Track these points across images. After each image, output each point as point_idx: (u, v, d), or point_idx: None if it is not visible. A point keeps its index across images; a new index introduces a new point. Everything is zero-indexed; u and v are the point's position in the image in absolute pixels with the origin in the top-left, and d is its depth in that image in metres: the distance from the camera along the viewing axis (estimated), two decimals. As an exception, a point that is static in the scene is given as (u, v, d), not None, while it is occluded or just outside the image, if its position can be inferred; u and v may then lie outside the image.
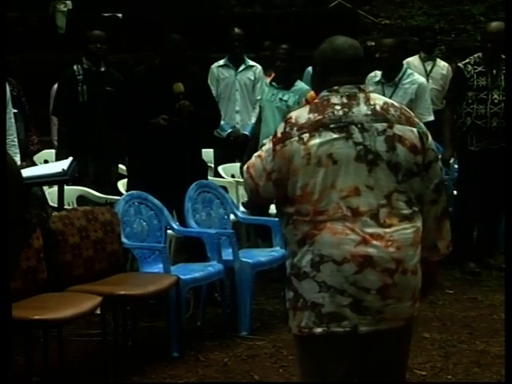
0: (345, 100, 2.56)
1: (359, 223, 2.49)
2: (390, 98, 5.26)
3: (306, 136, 2.51)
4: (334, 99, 2.57)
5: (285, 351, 4.34)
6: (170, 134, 4.84)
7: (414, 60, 7.25)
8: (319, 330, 2.53)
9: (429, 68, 7.28)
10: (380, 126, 2.53)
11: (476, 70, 5.72)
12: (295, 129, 2.53)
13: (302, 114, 2.56)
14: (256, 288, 4.95)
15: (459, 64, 5.91)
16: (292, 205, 2.55)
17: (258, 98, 6.38)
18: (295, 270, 2.56)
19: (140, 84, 4.97)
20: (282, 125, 2.57)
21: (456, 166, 6.09)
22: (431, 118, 5.46)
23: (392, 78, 5.29)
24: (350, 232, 2.48)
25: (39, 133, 5.74)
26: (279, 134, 2.56)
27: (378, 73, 5.47)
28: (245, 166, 2.65)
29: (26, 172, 4.35)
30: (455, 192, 6.18)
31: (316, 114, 2.54)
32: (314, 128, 2.52)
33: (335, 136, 2.51)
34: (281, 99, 5.71)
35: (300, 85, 5.77)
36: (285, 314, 4.85)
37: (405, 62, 6.94)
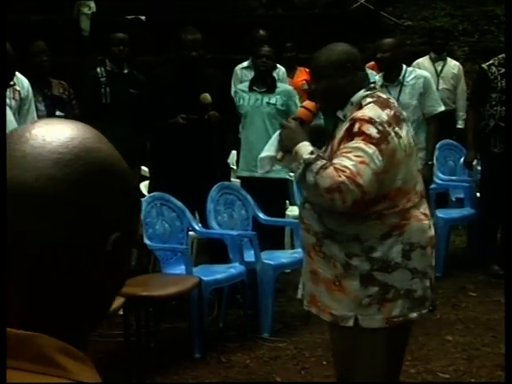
0: (387, 94, 2.86)
1: (424, 205, 2.73)
2: (398, 97, 5.25)
3: (397, 130, 2.64)
4: (383, 94, 2.75)
5: (306, 353, 4.34)
6: (193, 134, 4.85)
7: (423, 61, 7.20)
8: (414, 314, 2.69)
9: (439, 68, 7.23)
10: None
11: (500, 71, 5.67)
12: (386, 126, 2.61)
13: (378, 113, 2.62)
14: (277, 289, 4.96)
15: (483, 65, 5.87)
16: (384, 200, 2.62)
17: None
18: (379, 265, 2.63)
19: (161, 85, 4.99)
20: (368, 126, 2.58)
21: (479, 168, 6.05)
22: (442, 108, 5.42)
23: (394, 78, 5.27)
24: (425, 217, 2.71)
25: None
26: (377, 135, 2.58)
27: (376, 77, 5.43)
28: (343, 179, 2.52)
29: None
30: (478, 194, 6.14)
31: (388, 110, 2.66)
32: (397, 122, 2.66)
33: (407, 127, 2.72)
34: (268, 103, 5.50)
35: (282, 86, 5.67)
36: (307, 315, 4.86)
37: (415, 63, 6.91)
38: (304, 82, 6.77)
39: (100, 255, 0.84)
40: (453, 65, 7.38)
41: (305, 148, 2.62)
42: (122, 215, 0.85)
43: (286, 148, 2.69)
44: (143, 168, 6.13)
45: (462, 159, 6.14)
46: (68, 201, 0.81)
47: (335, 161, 2.57)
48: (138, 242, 0.91)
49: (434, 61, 7.29)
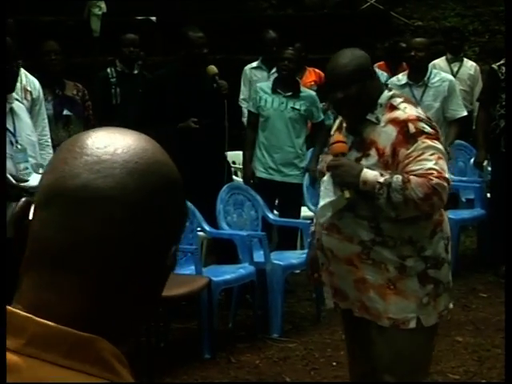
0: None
1: None
2: (421, 98, 5.24)
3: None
4: (402, 95, 2.86)
5: (316, 353, 4.33)
6: (204, 137, 4.85)
7: (440, 62, 7.17)
8: (451, 305, 2.82)
9: (455, 69, 7.19)
10: None
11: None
12: (430, 121, 2.71)
13: (417, 110, 2.71)
14: (287, 290, 4.95)
15: (493, 65, 5.84)
16: None
17: None
18: (432, 262, 2.68)
19: (163, 85, 4.97)
20: (421, 124, 2.64)
21: (489, 169, 6.03)
22: (465, 112, 5.41)
23: (420, 79, 5.25)
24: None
25: None
26: (432, 130, 2.64)
27: (401, 77, 5.41)
28: (435, 181, 2.56)
29: None
30: (489, 195, 6.12)
31: (418, 107, 2.77)
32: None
33: None
34: (293, 108, 5.42)
35: (306, 91, 5.58)
36: (316, 315, 4.85)
37: (431, 64, 6.89)
38: (313, 82, 6.76)
39: (161, 267, 0.86)
40: (469, 66, 7.32)
41: (370, 174, 2.58)
42: (180, 228, 0.88)
43: (348, 184, 2.60)
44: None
45: (472, 160, 6.12)
46: (142, 210, 0.81)
47: (414, 167, 2.57)
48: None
49: (450, 62, 7.24)
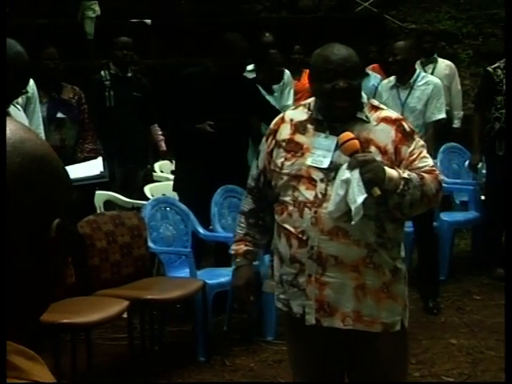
0: None
1: None
2: (406, 100, 5.26)
3: None
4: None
5: (311, 356, 4.33)
6: (221, 141, 4.79)
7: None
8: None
9: (430, 71, 7.22)
10: None
11: (506, 74, 5.67)
12: None
13: None
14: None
15: (488, 68, 5.86)
16: None
17: (288, 103, 6.26)
18: (405, 264, 2.70)
19: (192, 86, 4.95)
20: (408, 123, 2.70)
21: (484, 171, 6.05)
22: (442, 115, 5.40)
23: (406, 81, 5.26)
24: None
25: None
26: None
27: (392, 78, 5.43)
28: (440, 177, 2.62)
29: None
30: (483, 197, 6.13)
31: None
32: None
33: None
34: None
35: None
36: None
37: None
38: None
39: (44, 242, 0.86)
40: (444, 66, 7.34)
41: (392, 170, 2.53)
42: (60, 202, 0.89)
43: (379, 180, 2.50)
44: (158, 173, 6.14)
45: (466, 162, 6.13)
46: (11, 190, 0.84)
47: (420, 165, 2.58)
48: (72, 231, 0.94)
49: (424, 64, 7.28)
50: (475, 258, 6.18)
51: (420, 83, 5.28)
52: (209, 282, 4.38)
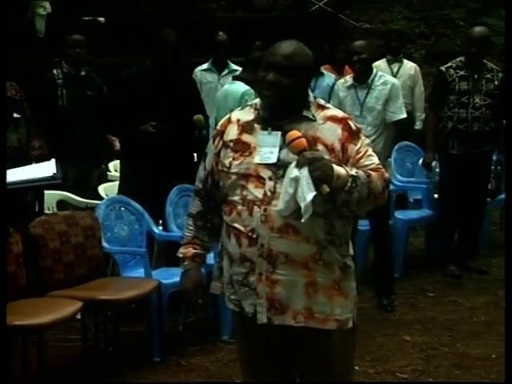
0: None
1: None
2: (364, 100, 5.28)
3: None
4: None
5: (267, 355, 4.33)
6: (164, 142, 4.78)
7: (380, 63, 7.27)
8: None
9: (395, 70, 7.33)
10: None
11: (458, 73, 5.74)
12: None
13: None
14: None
15: (441, 68, 5.93)
16: None
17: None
18: (353, 261, 2.69)
19: (132, 86, 4.93)
20: (354, 122, 2.69)
21: (437, 170, 6.12)
22: (403, 115, 5.44)
23: (364, 81, 5.29)
24: None
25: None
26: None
27: (348, 78, 5.45)
28: (386, 175, 2.63)
29: (17, 175, 4.32)
30: (436, 195, 6.21)
31: None
32: None
33: None
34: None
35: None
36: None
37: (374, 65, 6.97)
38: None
39: None
40: (409, 66, 7.47)
41: (339, 168, 2.52)
42: None
43: (328, 178, 2.48)
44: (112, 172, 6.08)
45: (420, 161, 6.20)
46: None
47: (366, 163, 2.59)
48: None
49: (390, 63, 7.38)
50: (429, 255, 6.26)
51: (378, 83, 5.31)
52: (164, 281, 4.35)
